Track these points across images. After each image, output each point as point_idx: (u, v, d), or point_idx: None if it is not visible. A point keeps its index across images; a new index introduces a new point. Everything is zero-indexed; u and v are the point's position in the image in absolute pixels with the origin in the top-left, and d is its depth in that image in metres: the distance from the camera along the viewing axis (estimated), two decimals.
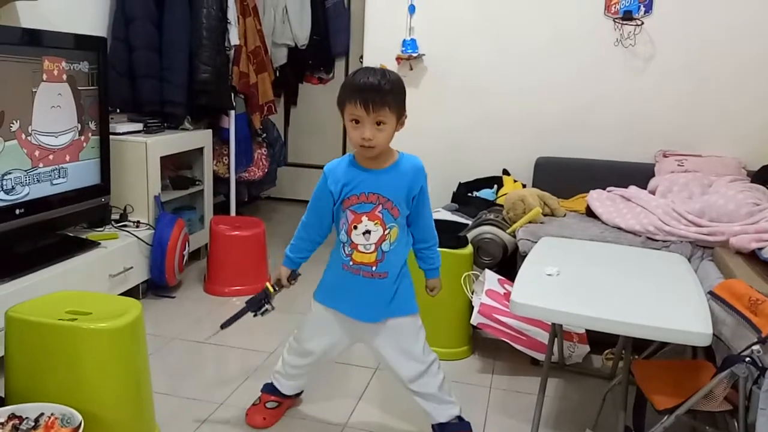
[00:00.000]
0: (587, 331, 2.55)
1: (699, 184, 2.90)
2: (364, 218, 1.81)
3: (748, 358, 1.57)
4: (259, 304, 2.03)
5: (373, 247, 1.82)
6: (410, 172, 1.82)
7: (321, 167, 5.33)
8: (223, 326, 2.06)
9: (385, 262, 1.83)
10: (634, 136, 3.33)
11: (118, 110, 3.44)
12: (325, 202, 1.85)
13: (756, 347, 1.59)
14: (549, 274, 1.92)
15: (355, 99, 1.68)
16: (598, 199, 2.95)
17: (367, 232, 1.81)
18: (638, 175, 3.16)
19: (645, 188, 3.05)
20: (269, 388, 2.13)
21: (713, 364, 1.87)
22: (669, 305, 1.74)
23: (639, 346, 2.01)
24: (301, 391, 2.20)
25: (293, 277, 2.02)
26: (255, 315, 2.04)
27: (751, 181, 2.88)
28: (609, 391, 2.04)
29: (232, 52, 3.82)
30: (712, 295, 1.88)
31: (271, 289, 2.02)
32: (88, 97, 2.83)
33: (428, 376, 1.93)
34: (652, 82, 3.27)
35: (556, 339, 2.15)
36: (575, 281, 1.90)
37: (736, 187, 2.68)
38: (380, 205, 1.80)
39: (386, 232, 1.81)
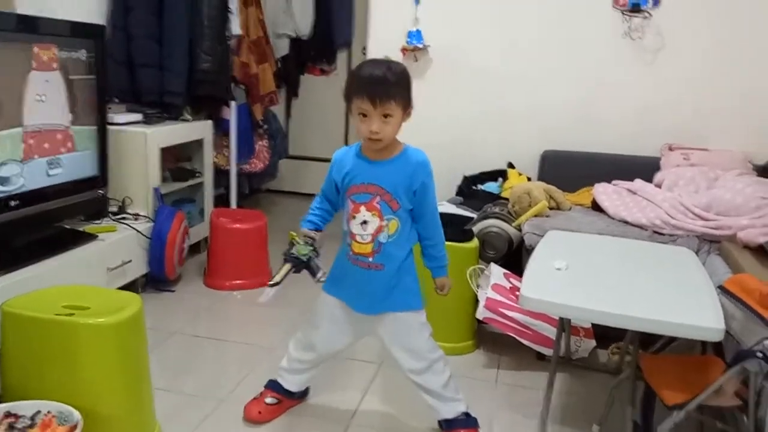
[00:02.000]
0: (593, 325, 2.52)
1: (705, 178, 2.86)
2: (362, 208, 1.80)
3: (759, 353, 1.54)
4: (291, 256, 1.87)
5: (369, 238, 1.80)
6: (412, 166, 1.79)
7: (323, 160, 5.33)
8: (271, 285, 1.93)
9: (382, 254, 1.81)
10: (641, 130, 3.28)
11: (116, 100, 3.39)
12: (331, 188, 1.89)
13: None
14: (558, 268, 1.88)
15: (361, 93, 1.68)
16: (604, 192, 2.91)
17: (365, 222, 1.80)
18: (644, 168, 3.12)
19: (651, 182, 3.01)
20: (272, 385, 2.10)
21: (723, 360, 1.84)
22: (680, 300, 1.70)
23: (647, 341, 1.97)
24: (306, 392, 2.17)
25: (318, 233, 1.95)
26: (296, 263, 1.88)
27: (758, 175, 2.84)
28: (616, 386, 2.00)
29: (234, 41, 3.77)
30: (722, 289, 1.84)
31: (295, 235, 1.91)
32: (85, 86, 2.78)
33: (431, 374, 1.90)
34: (660, 75, 3.23)
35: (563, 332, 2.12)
36: (584, 275, 1.86)
37: (744, 180, 2.65)
38: (378, 196, 1.79)
39: (383, 224, 1.79)
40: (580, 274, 1.86)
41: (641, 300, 1.68)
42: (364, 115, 1.70)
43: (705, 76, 3.18)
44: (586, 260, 2.02)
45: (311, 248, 1.90)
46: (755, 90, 3.14)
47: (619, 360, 2.30)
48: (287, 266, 1.90)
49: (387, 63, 1.71)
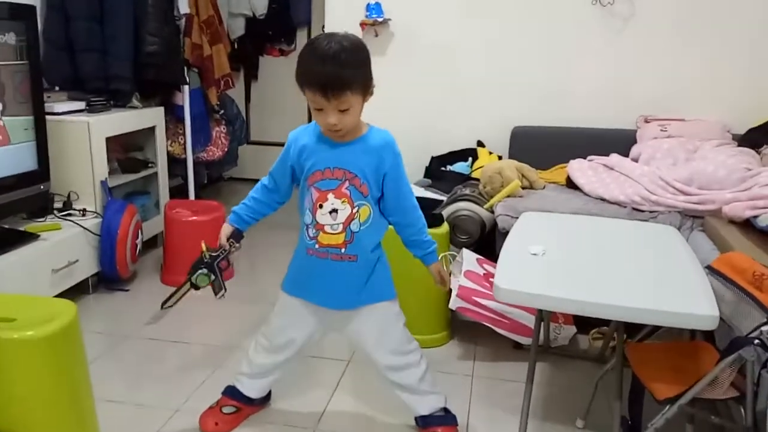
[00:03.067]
0: None
1: (683, 150, 2.74)
2: (330, 196, 1.63)
3: (756, 341, 1.41)
4: (195, 270, 1.80)
5: (340, 227, 1.64)
6: (378, 147, 1.64)
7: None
8: (164, 307, 1.86)
9: (355, 244, 1.65)
10: (614, 102, 3.15)
11: (57, 88, 3.15)
12: (285, 169, 1.72)
13: (766, 328, 1.43)
14: (534, 254, 1.74)
15: (312, 86, 1.51)
16: (579, 169, 2.78)
17: (334, 210, 1.64)
18: (619, 142, 3.00)
19: (627, 156, 2.89)
20: (230, 391, 1.92)
21: (713, 345, 1.72)
22: (669, 285, 1.57)
23: (631, 326, 1.83)
24: (268, 397, 2.00)
25: (237, 238, 1.80)
26: (194, 287, 1.83)
27: (738, 145, 2.73)
28: (601, 378, 1.88)
29: (183, 21, 3.54)
30: (711, 269, 1.71)
31: (205, 249, 1.80)
32: (16, 73, 2.54)
33: (408, 368, 1.76)
34: (632, 43, 3.09)
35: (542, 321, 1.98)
36: (563, 261, 1.72)
37: (725, 152, 2.53)
38: (347, 181, 1.62)
39: (354, 211, 1.63)
40: (559, 260, 1.72)
41: (626, 287, 1.55)
42: (319, 108, 1.54)
43: (678, 44, 3.05)
44: (564, 244, 1.89)
45: (212, 276, 1.81)
46: (730, 57, 3.02)
47: (602, 347, 2.18)
48: (186, 287, 1.85)
49: (338, 46, 1.50)
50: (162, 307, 1.83)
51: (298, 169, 1.69)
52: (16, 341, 1.51)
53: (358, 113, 1.58)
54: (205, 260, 1.79)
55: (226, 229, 1.79)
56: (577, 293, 1.49)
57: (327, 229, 1.65)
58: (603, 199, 2.59)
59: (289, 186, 1.76)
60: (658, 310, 1.42)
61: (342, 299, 1.72)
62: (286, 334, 1.82)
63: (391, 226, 1.75)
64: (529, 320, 2.27)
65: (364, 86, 1.55)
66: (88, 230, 2.79)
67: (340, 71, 1.49)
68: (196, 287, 1.81)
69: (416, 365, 1.77)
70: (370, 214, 1.66)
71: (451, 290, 2.33)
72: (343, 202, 1.63)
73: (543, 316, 1.97)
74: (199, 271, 1.78)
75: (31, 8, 2.66)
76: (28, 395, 1.53)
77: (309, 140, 1.67)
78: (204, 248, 1.80)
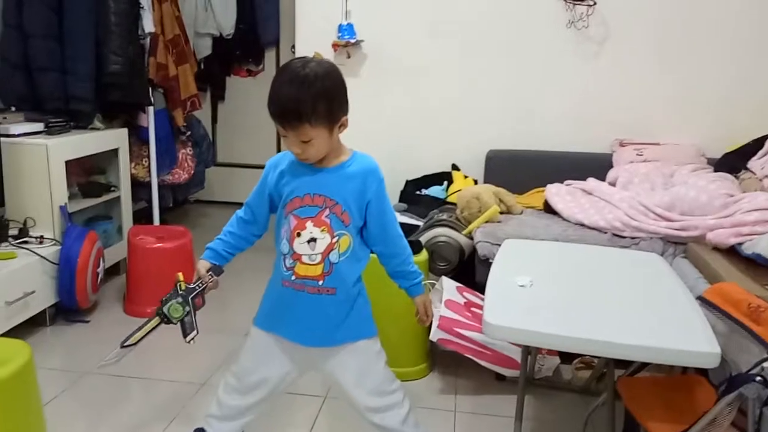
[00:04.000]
0: None
1: (660, 174, 2.73)
2: (309, 224, 1.53)
3: (758, 377, 1.36)
4: (167, 302, 1.63)
5: (319, 258, 1.53)
6: (361, 174, 1.54)
7: (254, 167, 4.97)
8: (124, 345, 1.67)
9: (334, 276, 1.55)
10: (589, 125, 3.14)
11: (13, 108, 3.00)
12: (263, 198, 1.62)
13: (767, 364, 1.38)
14: (521, 285, 1.66)
15: (273, 115, 1.45)
16: (557, 194, 2.73)
17: (312, 240, 1.53)
18: (595, 166, 2.97)
19: (603, 180, 2.86)
20: None
21: (706, 379, 1.67)
22: (664, 319, 1.51)
23: (621, 360, 1.78)
24: None
25: (216, 272, 1.67)
26: (165, 320, 1.64)
27: (715, 170, 2.73)
28: (592, 413, 1.81)
29: (148, 41, 3.41)
30: (703, 300, 1.66)
31: (180, 280, 1.64)
32: None
33: (390, 409, 1.65)
34: (606, 66, 3.09)
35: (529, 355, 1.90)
36: (552, 293, 1.65)
37: (705, 177, 2.52)
38: (327, 209, 1.53)
39: (334, 241, 1.53)
40: (548, 292, 1.65)
41: (622, 322, 1.48)
42: (284, 135, 1.48)
43: (652, 67, 3.06)
44: (550, 274, 1.81)
45: (187, 308, 1.63)
46: (704, 81, 3.04)
47: (589, 379, 2.11)
48: (155, 321, 1.64)
49: (303, 76, 1.43)
50: (122, 346, 1.65)
51: (276, 197, 1.59)
52: None
53: (324, 144, 1.49)
54: (180, 292, 1.64)
55: (203, 264, 1.66)
56: (572, 330, 1.42)
57: (305, 259, 1.54)
58: (582, 224, 2.54)
59: (267, 216, 1.66)
60: (659, 347, 1.36)
61: (318, 336, 1.60)
62: (258, 373, 1.69)
63: (373, 256, 1.65)
64: (512, 351, 2.20)
65: (329, 119, 1.46)
66: (45, 259, 2.63)
67: (298, 103, 1.41)
68: (168, 320, 1.63)
69: (399, 406, 1.67)
70: (350, 244, 1.56)
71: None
72: (322, 230, 1.53)
73: (530, 349, 1.90)
74: (173, 300, 1.62)
75: None
76: None
77: (288, 166, 1.58)
78: (179, 278, 1.65)
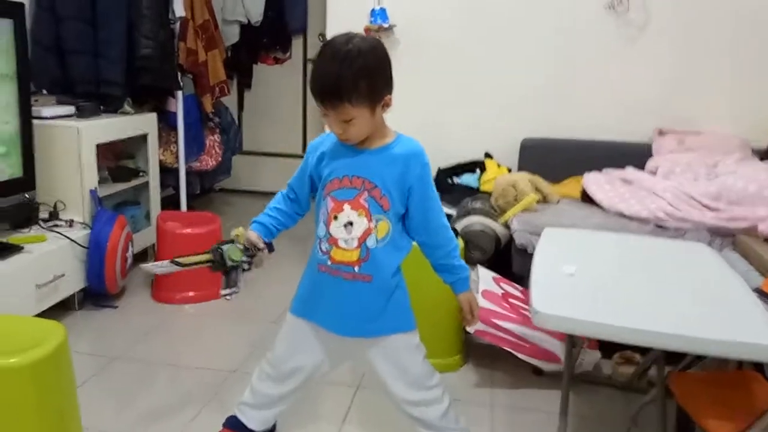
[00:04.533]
0: None
1: (704, 164, 2.63)
2: (346, 206, 1.48)
3: None
4: (219, 251, 1.54)
5: (355, 243, 1.48)
6: (404, 157, 1.48)
7: (279, 155, 4.93)
8: (175, 260, 1.56)
9: (370, 263, 1.49)
10: (628, 113, 3.04)
11: (44, 91, 2.98)
12: (304, 179, 1.59)
13: None
14: (569, 274, 1.60)
15: (314, 94, 1.42)
16: (595, 182, 2.65)
17: (349, 223, 1.48)
18: (634, 155, 2.88)
19: (642, 169, 2.77)
20: (232, 423, 1.75)
21: (762, 375, 1.59)
22: (723, 310, 1.44)
23: (670, 354, 1.70)
24: (273, 430, 1.83)
25: (270, 249, 1.61)
26: (218, 263, 1.55)
27: (761, 159, 2.62)
28: (640, 410, 1.73)
29: (178, 25, 3.38)
30: (760, 293, 1.59)
31: (240, 233, 1.55)
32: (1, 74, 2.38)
33: (429, 404, 1.59)
34: (647, 52, 2.98)
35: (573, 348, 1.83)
36: (601, 282, 1.58)
37: (753, 166, 2.42)
38: (365, 192, 1.47)
39: (372, 225, 1.47)
40: (596, 281, 1.58)
41: (675, 313, 1.41)
42: (325, 114, 1.43)
43: (694, 53, 2.95)
44: (596, 263, 1.75)
45: (246, 257, 1.55)
46: (747, 68, 2.92)
47: (633, 374, 2.03)
48: (206, 257, 1.55)
49: (345, 52, 1.37)
50: (172, 260, 1.55)
51: (317, 178, 1.55)
52: None
53: (366, 124, 1.43)
54: (237, 244, 1.55)
55: (257, 235, 1.59)
56: (626, 321, 1.35)
57: (341, 243, 1.49)
58: (623, 215, 2.46)
59: (308, 196, 1.62)
60: (719, 340, 1.28)
61: (353, 325, 1.55)
62: (293, 361, 1.64)
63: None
64: (551, 344, 2.13)
65: (371, 97, 1.40)
66: (75, 242, 2.61)
67: (338, 81, 1.36)
68: (220, 262, 1.53)
69: (438, 401, 1.61)
70: (388, 230, 1.50)
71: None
72: (359, 214, 1.48)
73: (575, 342, 1.83)
74: (233, 245, 1.53)
75: (19, 5, 2.50)
76: (11, 427, 1.36)
77: (329, 147, 1.53)
78: (239, 232, 1.56)
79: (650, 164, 2.78)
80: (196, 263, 1.55)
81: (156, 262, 1.55)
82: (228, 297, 1.56)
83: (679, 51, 2.96)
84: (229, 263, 1.53)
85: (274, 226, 1.62)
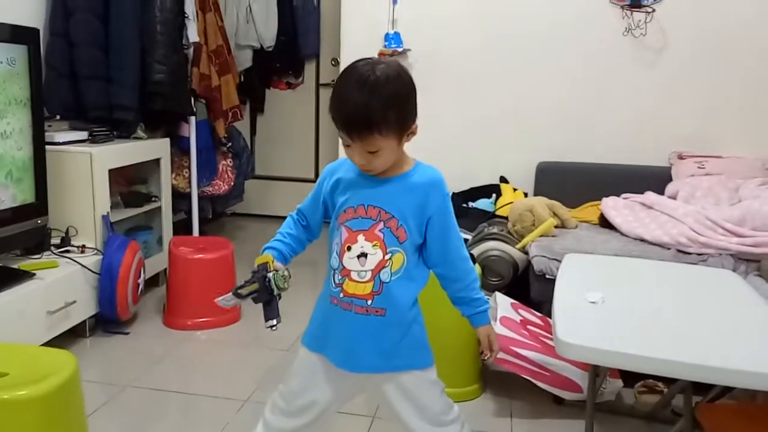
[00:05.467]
0: None
1: (725, 188, 2.59)
2: (360, 237, 1.41)
3: None
4: (265, 279, 1.43)
5: (368, 275, 1.41)
6: (424, 186, 1.41)
7: (292, 179, 4.91)
8: (237, 291, 1.44)
9: (384, 296, 1.42)
10: (646, 137, 3.01)
11: (58, 117, 2.98)
12: (317, 204, 1.53)
13: None
14: (593, 302, 1.55)
15: (337, 123, 1.33)
16: (614, 207, 2.61)
17: (363, 255, 1.41)
18: (653, 179, 2.85)
19: (662, 194, 2.72)
20: None
21: None
22: (753, 341, 1.38)
23: (697, 384, 1.64)
24: None
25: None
26: (263, 293, 1.44)
27: None
28: None
29: (191, 50, 3.39)
30: None
31: (272, 260, 1.46)
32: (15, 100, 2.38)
33: None
34: (665, 76, 2.97)
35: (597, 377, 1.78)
36: (626, 311, 1.53)
37: None
38: (381, 222, 1.40)
39: (386, 258, 1.41)
40: (620, 309, 1.53)
41: (704, 343, 1.36)
42: (347, 144, 1.36)
43: (712, 77, 2.93)
44: (619, 290, 1.70)
45: (286, 285, 1.45)
46: (766, 90, 2.88)
47: (658, 404, 1.97)
48: (255, 286, 1.45)
49: (374, 80, 1.31)
50: (234, 292, 1.46)
51: (330, 205, 1.49)
52: (7, 402, 1.30)
53: (392, 155, 1.37)
54: (281, 272, 1.44)
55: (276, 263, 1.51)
56: (654, 351, 1.30)
57: (354, 276, 1.42)
58: (643, 240, 2.41)
59: (320, 223, 1.56)
60: (752, 371, 1.23)
61: (365, 361, 1.46)
62: (306, 396, 1.57)
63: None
64: (572, 373, 2.07)
65: (400, 127, 1.34)
66: (87, 268, 2.59)
67: (368, 111, 1.29)
68: (269, 290, 1.43)
69: None
70: (403, 263, 1.43)
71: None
72: (374, 245, 1.41)
73: (599, 371, 1.77)
74: (276, 272, 1.43)
75: (33, 30, 2.51)
76: None
77: (345, 174, 1.46)
78: (270, 258, 1.47)
79: (670, 188, 2.74)
80: (249, 293, 1.48)
81: (224, 296, 1.49)
82: (274, 328, 1.48)
83: (697, 74, 2.94)
84: (276, 292, 1.47)
85: (289, 253, 1.56)
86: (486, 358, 1.54)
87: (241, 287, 1.44)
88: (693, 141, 2.94)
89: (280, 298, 1.46)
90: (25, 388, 1.33)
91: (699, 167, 2.75)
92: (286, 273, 1.45)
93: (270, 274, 1.43)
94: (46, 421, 1.35)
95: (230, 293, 1.46)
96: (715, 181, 2.61)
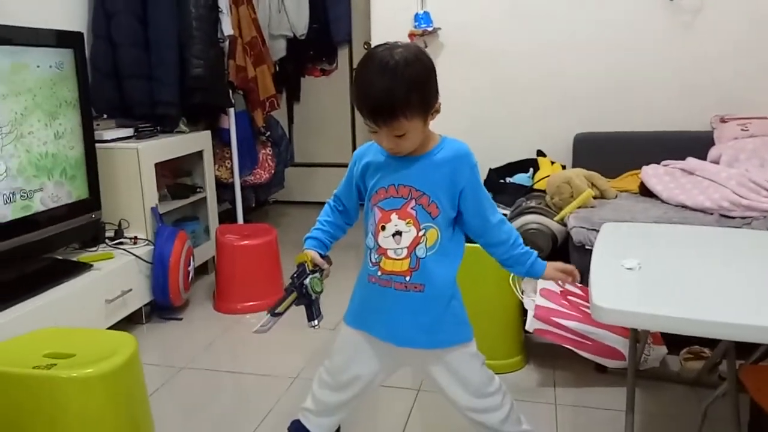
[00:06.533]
0: None
1: None
2: (394, 216, 1.45)
3: None
4: (302, 286, 1.51)
5: (404, 252, 1.45)
6: (451, 160, 1.44)
7: (330, 165, 4.99)
8: (274, 312, 1.53)
9: (421, 272, 1.46)
10: (684, 102, 2.95)
11: (105, 116, 3.11)
12: (350, 188, 1.57)
13: None
14: (629, 268, 1.55)
15: (362, 110, 1.36)
16: (654, 175, 2.58)
17: (398, 233, 1.45)
18: (693, 145, 2.79)
19: (704, 159, 2.68)
20: (297, 427, 1.77)
21: None
22: None
23: (741, 347, 1.64)
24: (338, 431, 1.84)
25: (328, 261, 1.59)
26: (303, 296, 1.52)
27: None
28: (710, 405, 1.68)
29: (227, 44, 3.47)
30: None
31: (309, 259, 1.53)
32: (65, 101, 2.49)
33: (490, 411, 1.56)
34: (702, 38, 2.90)
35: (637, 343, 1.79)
36: (664, 275, 1.53)
37: None
38: (413, 200, 1.44)
39: (420, 234, 1.45)
40: (658, 274, 1.53)
41: (744, 303, 1.35)
42: (374, 131, 1.39)
43: (750, 36, 2.85)
44: (658, 256, 1.69)
45: (322, 285, 1.53)
46: None
47: (702, 369, 1.97)
48: (293, 296, 1.53)
49: (393, 64, 1.34)
50: (272, 314, 1.55)
51: (363, 188, 1.54)
52: (72, 380, 1.41)
53: (419, 135, 1.40)
54: (310, 270, 1.53)
55: (314, 253, 1.57)
56: (691, 312, 1.31)
57: (390, 254, 1.47)
58: (684, 206, 2.39)
59: (357, 206, 1.61)
60: None
61: (407, 335, 1.51)
62: (350, 371, 1.63)
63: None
64: (614, 341, 2.08)
65: (424, 108, 1.37)
66: (140, 258, 2.71)
67: (392, 97, 1.32)
68: (307, 295, 1.51)
69: (498, 408, 1.57)
70: (438, 238, 1.46)
71: (525, 310, 2.17)
72: (407, 223, 1.45)
73: (639, 337, 1.78)
74: (311, 276, 1.51)
75: (78, 35, 2.62)
76: None
77: (374, 156, 1.50)
78: (308, 258, 1.54)
79: (713, 153, 2.69)
80: (289, 305, 1.56)
81: (262, 324, 1.57)
82: (317, 327, 1.56)
83: (735, 33, 2.87)
84: (314, 295, 1.54)
85: (329, 240, 1.61)
86: (573, 282, 1.58)
87: (277, 305, 1.52)
88: (735, 103, 2.87)
89: (319, 298, 1.53)
90: (92, 367, 1.42)
91: (742, 129, 2.69)
92: (319, 276, 1.52)
93: (307, 281, 1.50)
94: (112, 396, 1.45)
95: (267, 314, 1.54)
96: (760, 143, 2.56)
